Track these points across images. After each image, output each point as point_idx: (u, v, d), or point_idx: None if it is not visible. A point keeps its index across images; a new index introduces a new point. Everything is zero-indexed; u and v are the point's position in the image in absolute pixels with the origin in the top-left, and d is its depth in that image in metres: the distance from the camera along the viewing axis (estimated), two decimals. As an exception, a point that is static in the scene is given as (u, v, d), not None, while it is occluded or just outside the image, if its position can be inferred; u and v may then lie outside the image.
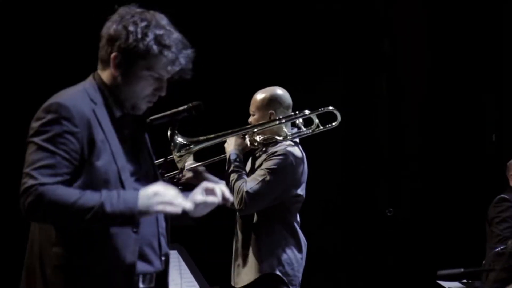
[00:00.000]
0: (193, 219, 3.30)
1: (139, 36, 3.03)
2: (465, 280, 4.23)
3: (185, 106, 4.38)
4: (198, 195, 3.21)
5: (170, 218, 3.21)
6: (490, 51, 7.83)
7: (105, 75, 3.12)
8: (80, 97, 3.03)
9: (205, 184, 3.24)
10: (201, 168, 4.81)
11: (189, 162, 4.76)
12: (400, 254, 7.79)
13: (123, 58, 3.05)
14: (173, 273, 4.72)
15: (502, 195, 6.71)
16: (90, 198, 2.86)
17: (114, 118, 3.08)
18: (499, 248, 5.47)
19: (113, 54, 3.06)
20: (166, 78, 3.10)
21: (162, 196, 2.90)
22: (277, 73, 7.35)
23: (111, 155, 3.01)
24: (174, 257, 4.88)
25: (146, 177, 3.14)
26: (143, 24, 3.05)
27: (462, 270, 3.57)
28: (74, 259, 2.95)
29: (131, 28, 3.04)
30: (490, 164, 7.46)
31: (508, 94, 7.81)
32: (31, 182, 2.85)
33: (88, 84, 3.12)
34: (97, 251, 2.96)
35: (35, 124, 2.96)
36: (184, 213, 3.21)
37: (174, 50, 3.06)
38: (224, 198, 3.20)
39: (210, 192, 3.20)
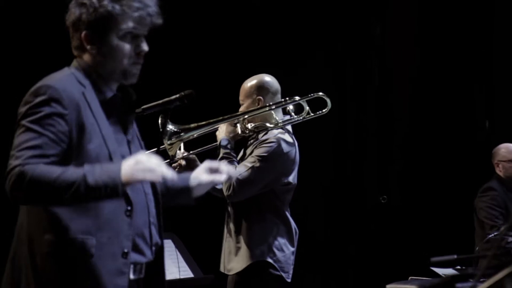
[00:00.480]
0: (194, 199, 3.29)
1: (96, 4, 3.01)
2: (458, 267, 4.23)
3: (177, 95, 4.37)
4: (202, 175, 3.21)
5: (172, 199, 3.19)
6: (480, 37, 7.81)
7: (85, 58, 3.08)
8: (68, 80, 2.99)
9: (207, 164, 3.24)
10: (192, 156, 4.80)
11: (180, 151, 4.75)
12: (393, 241, 7.79)
13: (93, 32, 3.03)
14: (168, 262, 4.71)
15: (488, 185, 6.74)
16: (72, 172, 2.80)
17: (104, 101, 3.04)
18: (493, 235, 5.49)
19: (83, 34, 3.03)
20: (141, 32, 3.05)
21: (143, 163, 2.83)
22: (268, 58, 7.35)
23: (102, 138, 2.97)
24: (169, 246, 4.88)
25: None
26: None
27: (455, 256, 3.57)
28: (66, 246, 2.90)
29: (85, 1, 3.03)
30: (481, 151, 7.45)
31: (499, 80, 7.81)
32: (15, 162, 2.81)
33: (73, 68, 3.08)
34: (90, 238, 2.92)
35: (23, 108, 2.92)
36: (186, 192, 3.21)
37: (134, 1, 3.03)
38: (229, 175, 3.22)
39: (214, 170, 3.21)
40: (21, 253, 2.98)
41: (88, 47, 3.04)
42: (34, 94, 2.93)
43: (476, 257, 4.90)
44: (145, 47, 3.07)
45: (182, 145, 4.75)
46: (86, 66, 3.07)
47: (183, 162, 4.77)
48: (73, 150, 2.91)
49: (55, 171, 2.79)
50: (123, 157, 3.01)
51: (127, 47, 3.04)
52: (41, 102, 2.89)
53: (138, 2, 3.03)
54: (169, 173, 2.89)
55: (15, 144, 2.87)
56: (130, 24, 3.03)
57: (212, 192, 4.69)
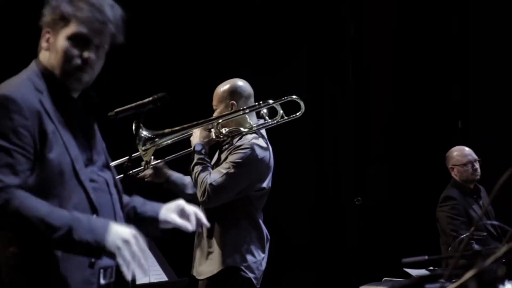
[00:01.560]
0: (160, 231, 3.27)
1: (54, 3, 3.02)
2: (431, 268, 4.26)
3: (150, 98, 4.36)
4: (173, 215, 3.20)
5: (139, 225, 3.16)
6: (456, 37, 7.85)
7: (41, 57, 3.07)
8: (25, 88, 2.94)
9: (181, 205, 3.23)
10: (161, 165, 4.80)
11: (150, 159, 4.74)
12: (367, 242, 7.82)
13: (49, 31, 3.03)
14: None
15: (446, 193, 6.70)
16: (58, 217, 2.77)
17: (61, 105, 3.00)
18: (463, 236, 5.53)
19: (44, 31, 3.06)
20: (92, 38, 3.01)
21: (130, 246, 2.80)
22: (241, 60, 7.35)
23: (63, 145, 2.93)
24: (142, 249, 4.86)
25: (99, 165, 3.08)
26: None
27: (426, 257, 3.59)
28: (31, 258, 2.87)
29: (50, 1, 3.05)
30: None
31: (474, 80, 7.85)
32: None
33: (31, 71, 3.04)
34: (56, 250, 2.87)
35: None
36: (153, 223, 3.20)
37: (88, 4, 3.01)
38: (199, 225, 3.22)
39: (185, 216, 3.21)
40: None
41: (44, 44, 3.04)
42: None
43: (446, 258, 4.93)
44: (89, 54, 3.01)
45: (151, 152, 4.72)
46: (42, 66, 3.04)
47: (149, 171, 4.78)
48: (36, 160, 2.87)
49: (41, 209, 2.76)
50: (86, 163, 3.00)
51: (70, 48, 3.00)
52: (2, 115, 2.84)
53: (90, 6, 3.01)
54: (141, 270, 2.84)
55: None
56: (80, 28, 2.99)
57: (181, 197, 4.70)
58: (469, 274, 1.95)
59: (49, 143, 2.89)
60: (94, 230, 2.78)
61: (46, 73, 3.03)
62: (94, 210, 2.96)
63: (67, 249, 2.82)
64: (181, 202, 3.25)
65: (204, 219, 3.26)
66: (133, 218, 3.20)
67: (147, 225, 3.21)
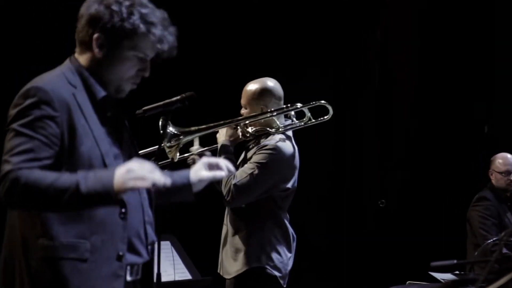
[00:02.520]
0: (194, 195, 3.27)
1: (124, 15, 2.95)
2: (457, 272, 4.24)
3: (178, 97, 4.36)
4: (202, 171, 3.20)
5: (172, 196, 3.16)
6: (481, 42, 7.82)
7: (84, 58, 3.04)
8: (58, 81, 2.94)
9: (206, 159, 3.24)
10: (208, 153, 4.77)
11: (195, 147, 4.72)
12: (392, 245, 7.80)
13: (107, 38, 2.97)
14: (165, 263, 4.72)
15: (481, 194, 6.70)
16: (66, 179, 2.77)
17: (95, 101, 3.00)
18: (492, 240, 5.49)
19: (96, 35, 2.98)
20: (149, 58, 3.03)
21: (134, 172, 2.80)
22: (268, 62, 7.33)
23: (94, 139, 2.94)
24: (167, 247, 4.89)
25: (129, 160, 3.06)
26: (127, 3, 2.97)
27: (455, 261, 3.57)
28: (60, 250, 2.87)
29: (114, 7, 2.97)
30: (482, 156, 7.45)
31: (500, 84, 7.81)
32: (7, 167, 2.77)
33: (65, 68, 3.03)
34: (84, 242, 2.89)
35: (13, 111, 2.88)
36: (186, 189, 3.19)
37: (160, 28, 2.99)
38: (229, 170, 3.22)
39: (213, 166, 3.21)
40: (15, 256, 2.94)
41: (96, 50, 2.99)
42: (23, 97, 2.88)
43: (475, 262, 4.89)
44: (147, 72, 3.05)
45: (197, 140, 4.71)
46: (81, 66, 3.03)
47: (197, 158, 4.75)
48: (65, 153, 2.88)
49: (49, 177, 2.76)
50: (116, 158, 3.00)
51: (133, 65, 3.01)
52: (31, 104, 2.85)
53: (161, 30, 2.99)
54: (162, 179, 2.85)
55: (6, 148, 2.83)
56: (147, 51, 3.00)
57: (215, 184, 4.72)
58: (506, 278, 1.93)
59: (79, 136, 2.90)
60: (101, 179, 2.79)
61: (82, 71, 3.02)
62: (122, 205, 2.96)
63: (79, 205, 2.81)
64: (204, 159, 3.25)
65: (231, 166, 3.26)
66: (165, 191, 3.12)
67: (181, 193, 3.22)
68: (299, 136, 4.97)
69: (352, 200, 7.97)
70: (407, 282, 5.72)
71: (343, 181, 8.03)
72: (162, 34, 3.00)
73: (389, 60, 8.02)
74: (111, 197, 2.79)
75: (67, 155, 2.88)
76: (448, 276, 4.39)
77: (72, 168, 2.86)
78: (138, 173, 2.80)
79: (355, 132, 8.10)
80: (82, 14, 3.02)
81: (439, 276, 4.74)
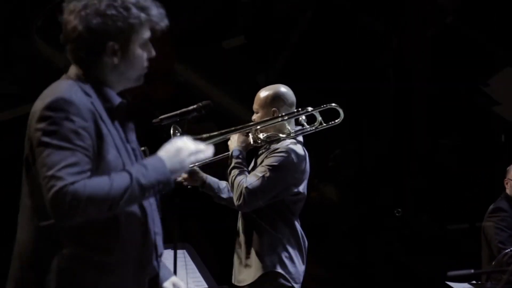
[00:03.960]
0: None
1: (124, 14, 2.91)
2: (474, 282, 4.22)
3: (195, 106, 4.37)
4: None
5: None
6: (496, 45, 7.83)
7: (94, 67, 2.96)
8: (77, 91, 2.89)
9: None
10: (194, 169, 4.78)
11: None
12: (408, 254, 7.79)
13: (118, 43, 2.92)
14: (181, 272, 4.71)
15: (497, 205, 6.63)
16: (121, 179, 2.77)
17: (111, 109, 2.96)
18: (507, 251, 5.47)
19: (107, 45, 2.92)
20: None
21: (186, 149, 2.88)
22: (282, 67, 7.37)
23: (116, 148, 2.91)
24: (182, 256, 4.89)
25: None
26: (118, 1, 2.92)
27: (472, 271, 3.56)
28: (83, 262, 2.84)
29: (110, 12, 2.91)
30: (498, 165, 7.42)
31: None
32: (60, 183, 2.71)
33: (74, 77, 2.96)
34: (108, 254, 2.85)
35: (42, 125, 2.81)
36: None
37: (153, 7, 2.97)
38: None
39: None
40: (28, 276, 2.88)
41: (111, 58, 2.94)
42: (51, 109, 2.82)
43: (492, 272, 4.87)
44: (153, 51, 3.03)
45: None
46: (90, 77, 2.97)
47: (185, 175, 4.76)
48: (95, 161, 2.84)
49: (104, 182, 2.76)
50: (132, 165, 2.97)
51: (144, 54, 2.99)
52: (62, 117, 2.80)
53: (156, 10, 2.98)
54: (210, 150, 2.95)
55: (49, 164, 2.76)
56: (148, 33, 2.98)
57: (217, 201, 4.75)
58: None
59: (106, 144, 2.87)
60: (154, 168, 2.82)
61: (93, 81, 2.96)
62: (143, 211, 2.95)
63: (141, 198, 2.84)
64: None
65: None
66: None
67: None
68: (311, 141, 4.96)
69: (369, 208, 7.95)
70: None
71: (358, 190, 8.01)
72: (158, 12, 2.99)
73: (405, 64, 8.01)
74: (170, 181, 2.84)
75: (96, 163, 2.85)
76: (464, 286, 4.38)
77: (98, 175, 2.82)
78: (192, 148, 2.88)
79: (372, 141, 8.09)
80: (79, 31, 2.93)
81: (455, 285, 4.73)
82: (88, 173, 2.77)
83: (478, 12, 7.96)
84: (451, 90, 7.92)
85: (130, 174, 2.78)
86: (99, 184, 2.74)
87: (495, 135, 7.87)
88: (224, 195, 4.84)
